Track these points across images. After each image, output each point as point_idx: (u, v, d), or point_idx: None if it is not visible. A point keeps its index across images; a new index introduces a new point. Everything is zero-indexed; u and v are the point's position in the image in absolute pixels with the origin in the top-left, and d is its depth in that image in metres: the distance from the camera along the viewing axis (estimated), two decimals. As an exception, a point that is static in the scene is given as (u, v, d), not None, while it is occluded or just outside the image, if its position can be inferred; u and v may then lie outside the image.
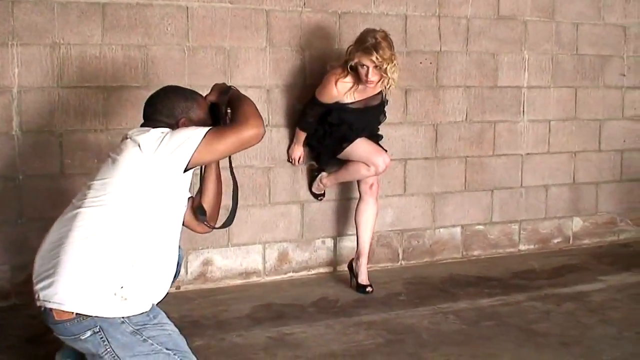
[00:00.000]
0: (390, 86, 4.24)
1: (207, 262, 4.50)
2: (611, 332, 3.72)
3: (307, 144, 4.57)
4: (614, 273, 4.87)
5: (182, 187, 2.78)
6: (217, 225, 3.14)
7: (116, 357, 2.59)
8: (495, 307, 4.14)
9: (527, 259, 5.28)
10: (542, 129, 5.43)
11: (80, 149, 4.13)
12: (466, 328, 3.80)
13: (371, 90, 4.28)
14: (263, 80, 4.52)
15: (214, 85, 3.02)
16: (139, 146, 2.62)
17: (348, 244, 4.82)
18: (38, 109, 4.04)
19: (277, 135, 4.59)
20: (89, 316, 2.53)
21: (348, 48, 4.21)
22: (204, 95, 2.97)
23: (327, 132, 4.42)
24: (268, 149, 4.55)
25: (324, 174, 4.63)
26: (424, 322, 3.88)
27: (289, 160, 4.62)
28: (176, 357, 2.67)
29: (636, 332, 3.73)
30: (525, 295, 4.35)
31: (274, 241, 4.67)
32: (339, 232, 4.86)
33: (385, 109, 4.53)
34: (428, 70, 4.98)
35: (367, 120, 4.42)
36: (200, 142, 2.61)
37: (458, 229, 5.23)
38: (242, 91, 2.97)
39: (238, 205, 3.11)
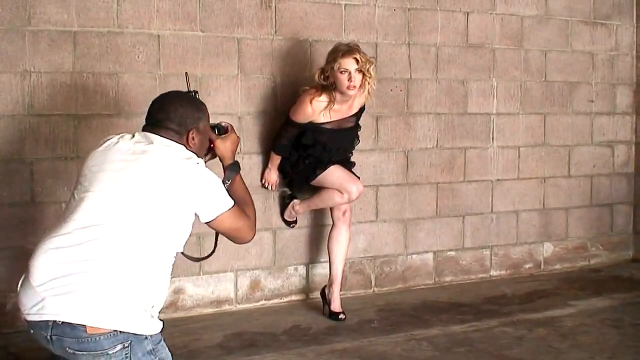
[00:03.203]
0: (369, 91, 4.25)
1: (178, 291, 4.46)
2: (583, 357, 3.74)
3: (280, 169, 4.57)
4: (585, 298, 4.90)
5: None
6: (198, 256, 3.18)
7: None
8: (467, 333, 4.15)
9: (498, 284, 5.30)
10: (511, 155, 5.48)
11: (51, 177, 4.09)
12: (439, 355, 3.81)
13: (346, 110, 4.31)
14: (235, 108, 4.52)
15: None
16: (182, 180, 2.62)
17: (320, 271, 4.81)
18: (8, 137, 4.01)
19: (249, 162, 4.57)
20: (124, 332, 2.48)
21: (319, 68, 4.23)
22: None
23: (301, 157, 4.42)
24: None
25: (296, 201, 4.62)
26: (397, 349, 3.87)
27: (263, 185, 4.60)
28: None
29: (607, 357, 3.75)
30: (497, 321, 4.36)
31: (246, 269, 4.65)
32: (312, 259, 4.85)
33: (359, 133, 4.55)
34: (399, 97, 5.02)
35: (340, 141, 4.43)
36: (225, 212, 2.72)
37: (430, 255, 5.24)
38: (214, 118, 2.99)
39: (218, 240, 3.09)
